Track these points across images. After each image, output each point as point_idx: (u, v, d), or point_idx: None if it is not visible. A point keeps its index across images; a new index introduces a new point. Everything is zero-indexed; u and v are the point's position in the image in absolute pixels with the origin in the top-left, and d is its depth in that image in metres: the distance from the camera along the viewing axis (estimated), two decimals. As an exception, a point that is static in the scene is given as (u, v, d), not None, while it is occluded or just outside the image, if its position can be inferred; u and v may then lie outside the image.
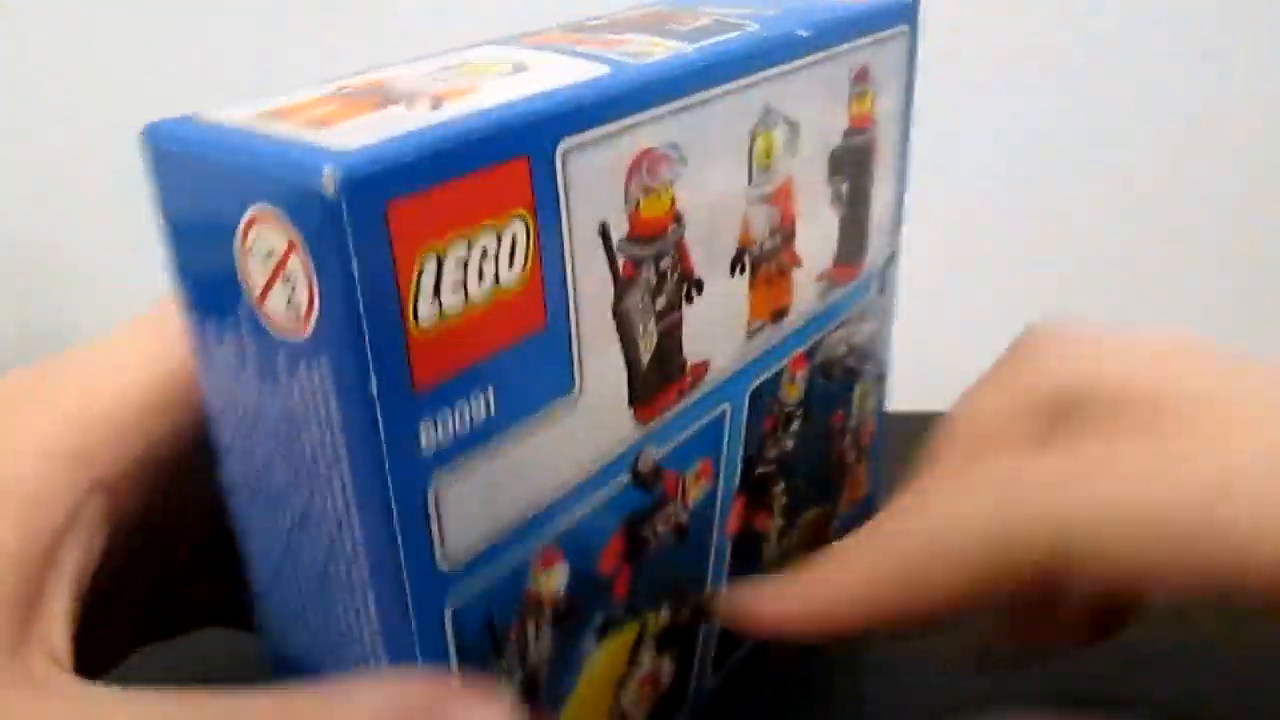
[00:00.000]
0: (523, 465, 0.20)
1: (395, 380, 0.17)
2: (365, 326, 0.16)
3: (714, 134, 0.23)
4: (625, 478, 0.23)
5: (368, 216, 0.16)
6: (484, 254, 0.18)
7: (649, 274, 0.22)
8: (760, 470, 0.29)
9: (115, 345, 0.21)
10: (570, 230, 0.20)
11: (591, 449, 0.22)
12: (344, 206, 0.15)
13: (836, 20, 0.26)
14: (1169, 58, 0.45)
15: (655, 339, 0.23)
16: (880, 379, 0.34)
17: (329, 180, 0.15)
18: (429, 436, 0.18)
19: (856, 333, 0.32)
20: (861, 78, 0.28)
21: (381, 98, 0.18)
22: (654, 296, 0.23)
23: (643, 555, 0.25)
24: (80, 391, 0.20)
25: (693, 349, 0.24)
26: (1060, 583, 0.20)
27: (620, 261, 0.21)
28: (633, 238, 0.21)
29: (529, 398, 0.20)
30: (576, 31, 0.24)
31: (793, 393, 0.29)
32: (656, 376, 0.23)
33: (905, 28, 0.29)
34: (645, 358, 0.23)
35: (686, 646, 0.28)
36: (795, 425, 0.30)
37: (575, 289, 0.20)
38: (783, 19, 0.25)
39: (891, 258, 0.32)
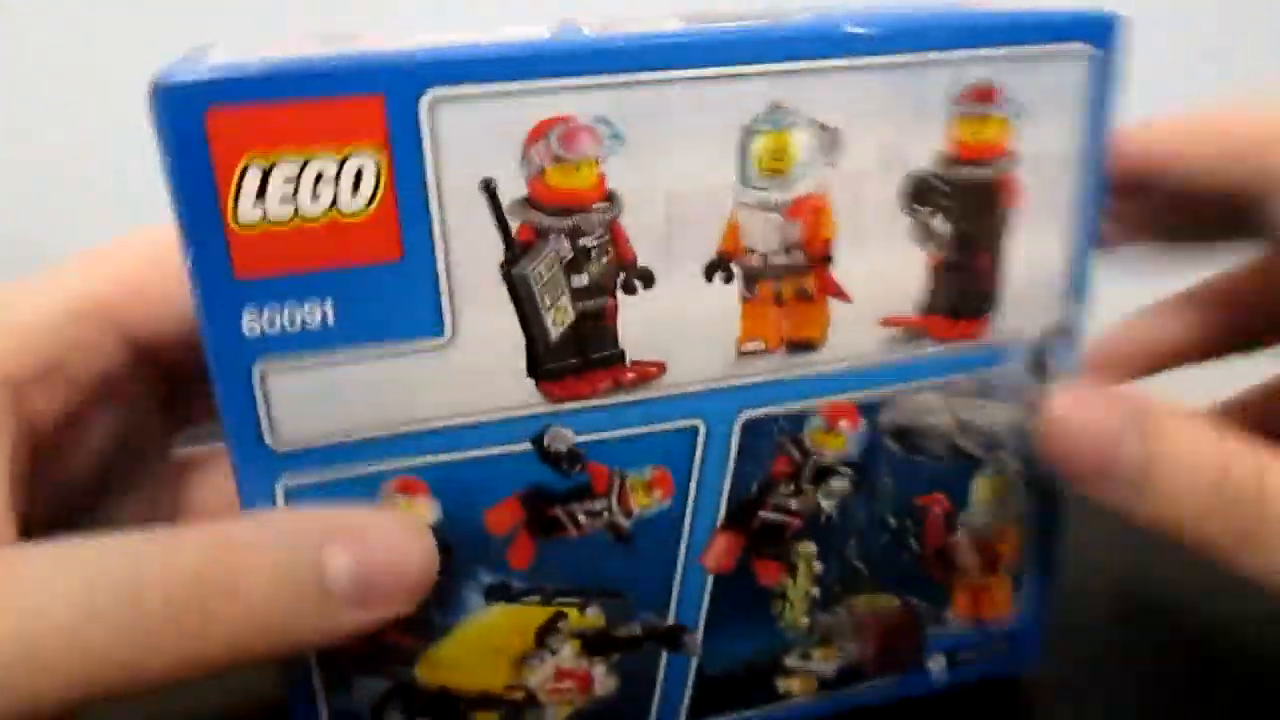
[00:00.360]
0: (376, 385, 0.22)
1: (215, 264, 0.20)
2: (184, 213, 0.20)
3: (677, 120, 0.22)
4: (526, 447, 0.23)
5: (184, 121, 0.19)
6: (319, 176, 0.20)
7: (560, 246, 0.22)
8: (768, 517, 0.26)
9: (50, 274, 0.24)
10: (438, 178, 0.21)
11: (470, 400, 0.23)
12: (159, 110, 0.19)
13: (946, 25, 0.22)
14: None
15: (571, 317, 0.23)
16: (1037, 485, 0.28)
17: (150, 89, 0.19)
18: (252, 322, 0.21)
19: (974, 409, 0.26)
20: (984, 97, 0.23)
21: (318, 41, 0.22)
22: (570, 272, 0.22)
23: (555, 537, 0.24)
24: (2, 305, 0.23)
25: (640, 346, 0.23)
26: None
27: (514, 224, 0.22)
28: (535, 203, 0.21)
29: (383, 324, 0.21)
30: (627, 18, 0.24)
31: (831, 444, 0.25)
32: (574, 357, 0.23)
33: (1087, 47, 0.23)
34: (555, 332, 0.23)
35: (638, 667, 0.26)
36: (836, 484, 0.26)
37: (444, 235, 0.21)
38: (855, 16, 0.22)
39: (1064, 334, 0.26)
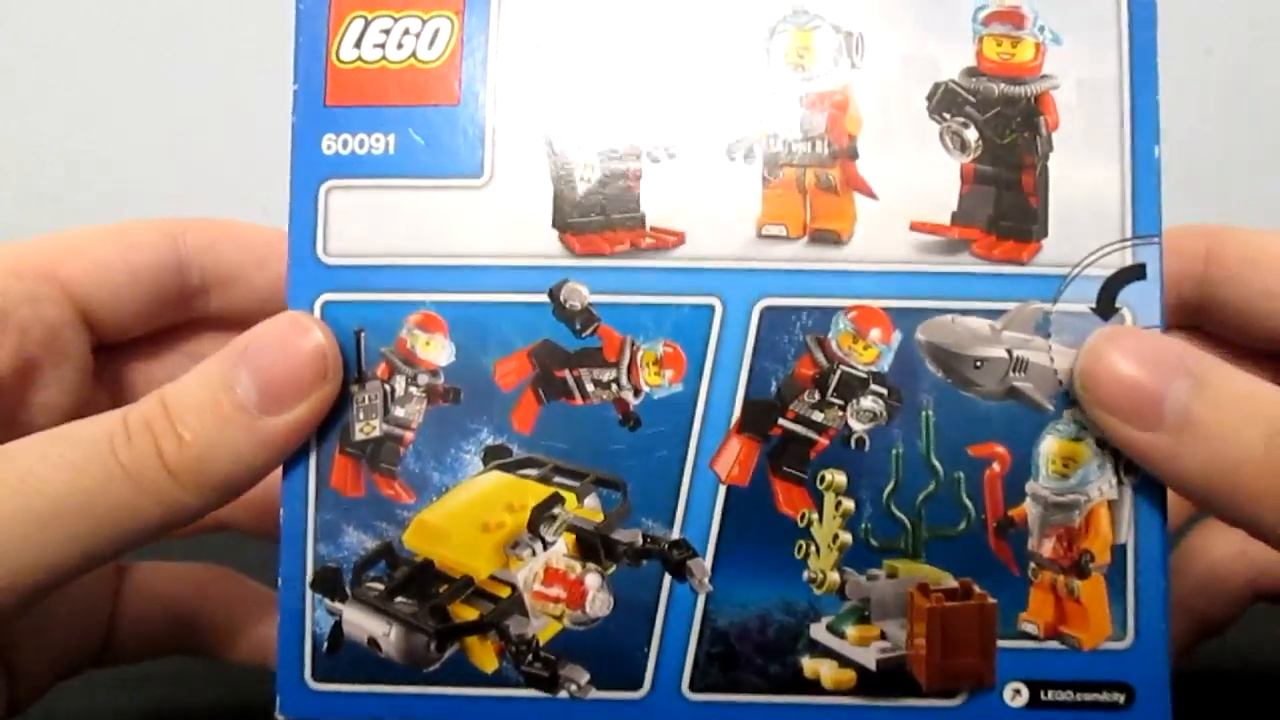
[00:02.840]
0: (417, 215, 0.25)
1: (313, 92, 0.25)
2: (301, 50, 0.25)
3: (705, 15, 0.25)
4: (543, 298, 0.24)
5: (318, -16, 0.25)
6: (406, 31, 0.25)
7: (594, 109, 0.25)
8: (789, 427, 0.24)
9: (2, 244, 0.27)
10: (499, 39, 0.25)
11: (497, 243, 0.25)
12: None
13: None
14: None
15: (598, 175, 0.25)
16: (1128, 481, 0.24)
17: None
18: (330, 143, 0.25)
19: (1034, 347, 0.24)
20: (1013, 20, 0.25)
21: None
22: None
23: (559, 401, 0.24)
24: None
25: (661, 214, 0.25)
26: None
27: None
28: (576, 70, 0.25)
29: (433, 160, 0.25)
30: None
31: (861, 353, 0.24)
32: (597, 213, 0.25)
33: (1116, -19, 0.25)
34: (581, 188, 0.25)
35: (636, 593, 0.24)
36: (868, 403, 0.24)
37: (496, 89, 0.25)
38: None
39: (1130, 272, 0.24)
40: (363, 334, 0.25)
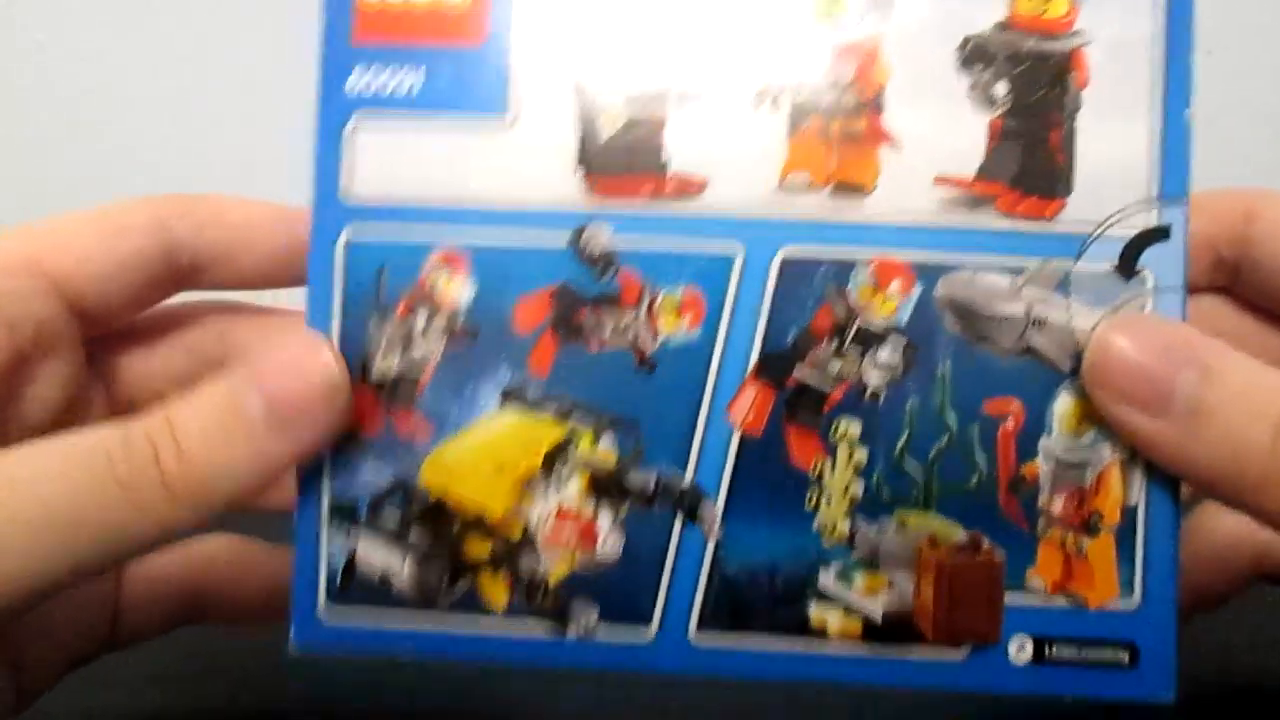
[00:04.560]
0: (441, 155, 0.25)
1: (340, 31, 0.25)
2: None
3: (739, -38, 0.25)
4: (564, 241, 0.25)
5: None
6: (434, -32, 0.25)
7: (620, 53, 0.25)
8: (805, 377, 0.24)
9: None
10: (525, -21, 0.25)
11: (520, 185, 0.25)
12: None
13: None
14: None
15: (622, 120, 0.25)
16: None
17: None
18: (355, 81, 0.25)
19: (1053, 305, 0.24)
20: (1046, -25, 0.24)
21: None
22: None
23: (576, 344, 0.24)
24: None
25: (684, 159, 0.25)
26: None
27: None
28: (604, 13, 0.25)
29: (458, 98, 0.25)
30: None
31: (880, 306, 0.24)
32: (621, 157, 0.25)
33: (1155, -65, 0.24)
34: (605, 131, 0.25)
35: (648, 537, 0.24)
36: (885, 355, 0.24)
37: (523, 29, 0.25)
38: None
39: (1154, 234, 0.24)
40: (384, 272, 0.25)
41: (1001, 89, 0.24)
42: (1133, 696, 0.24)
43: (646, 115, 0.25)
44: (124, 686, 0.33)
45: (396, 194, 0.25)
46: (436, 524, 0.25)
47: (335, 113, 0.25)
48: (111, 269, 0.26)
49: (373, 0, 0.25)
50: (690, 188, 0.24)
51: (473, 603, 0.24)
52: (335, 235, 0.25)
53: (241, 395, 0.22)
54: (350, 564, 0.25)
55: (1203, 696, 0.28)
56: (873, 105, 0.24)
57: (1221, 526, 0.30)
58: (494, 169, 0.25)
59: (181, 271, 0.28)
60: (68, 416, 0.27)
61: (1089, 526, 0.24)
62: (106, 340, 0.28)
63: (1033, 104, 0.24)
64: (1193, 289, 0.26)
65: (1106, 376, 0.23)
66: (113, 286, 0.26)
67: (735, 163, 0.24)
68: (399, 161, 0.25)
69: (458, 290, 0.25)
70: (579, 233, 0.24)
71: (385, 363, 0.25)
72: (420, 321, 0.25)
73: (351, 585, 0.25)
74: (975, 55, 0.24)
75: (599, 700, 0.32)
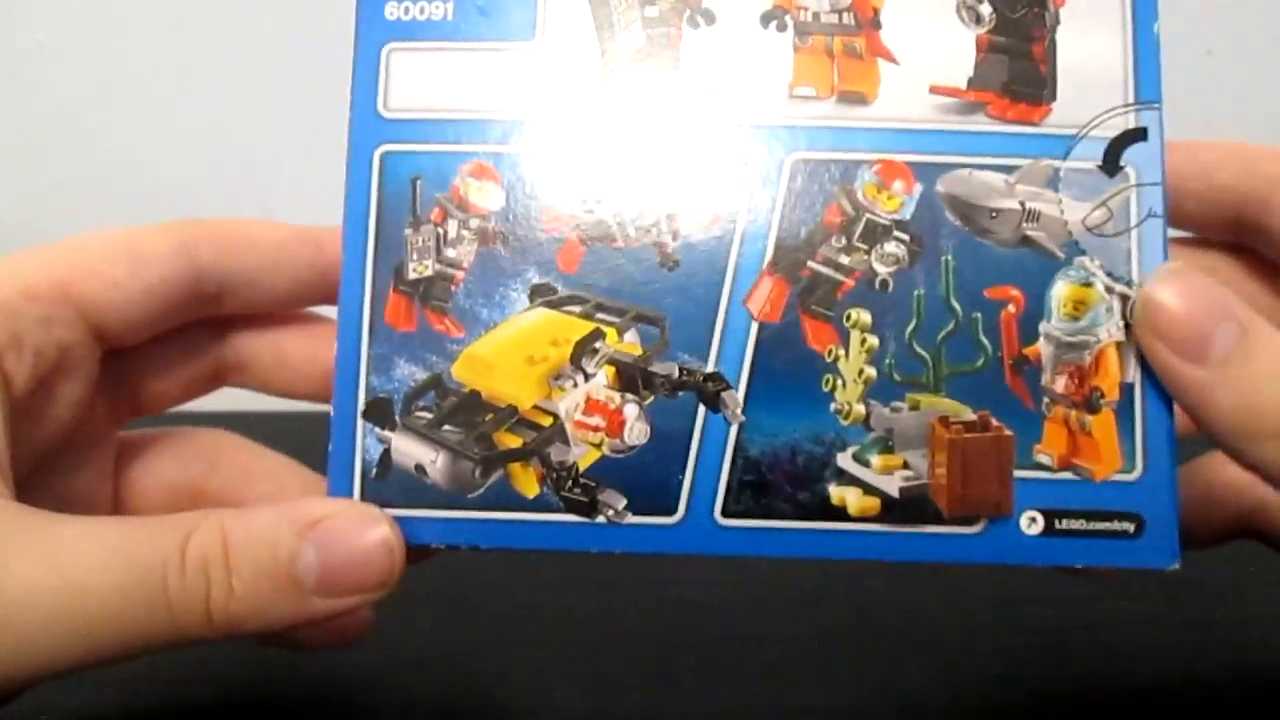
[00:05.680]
0: (472, 74, 0.27)
1: (376, -37, 0.27)
2: None
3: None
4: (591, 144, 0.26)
5: None
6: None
7: (637, -22, 0.27)
8: (818, 269, 0.26)
9: (14, 256, 0.26)
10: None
11: (547, 96, 0.26)
12: None
13: None
14: None
15: (641, 40, 0.27)
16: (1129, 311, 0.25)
17: None
18: (392, 9, 0.27)
19: (1045, 200, 0.26)
20: (1021, -91, 0.27)
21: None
22: (645, 2, 0.27)
23: (602, 245, 0.26)
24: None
25: (699, 75, 0.26)
26: None
27: (603, -40, 0.27)
28: (621, -53, 0.27)
29: (489, 26, 0.27)
30: None
31: (885, 202, 0.26)
32: (640, 72, 0.26)
33: None
34: (624, 46, 0.27)
35: (672, 423, 0.25)
36: (891, 248, 0.26)
37: (547, -39, 0.27)
38: None
39: (1133, 134, 0.26)
40: (419, 181, 0.26)
41: (986, 8, 0.27)
42: (1139, 564, 0.25)
43: (664, 31, 0.27)
44: (123, 686, 0.33)
45: (430, 109, 0.26)
46: (469, 417, 0.25)
47: (373, 38, 0.27)
48: (137, 296, 0.26)
49: (409, -64, 0.27)
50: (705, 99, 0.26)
51: (504, 492, 0.25)
52: (373, 148, 0.26)
53: (297, 554, 0.23)
54: (385, 456, 0.25)
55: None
56: (871, 24, 0.27)
57: (1218, 474, 0.30)
58: (522, 85, 0.26)
59: (207, 297, 0.28)
60: (78, 428, 0.27)
61: (1090, 403, 0.25)
62: (122, 350, 0.28)
63: (1016, 20, 0.26)
64: (1209, 241, 0.28)
65: (1156, 317, 0.24)
66: (137, 312, 0.27)
67: (746, 77, 0.26)
68: (433, 81, 0.27)
69: (489, 197, 0.26)
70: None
71: (420, 266, 0.26)
72: (454, 227, 0.26)
73: (388, 476, 0.25)
74: (961, -22, 0.27)
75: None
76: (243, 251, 0.28)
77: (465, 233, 0.26)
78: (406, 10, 0.27)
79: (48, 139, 0.53)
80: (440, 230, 0.26)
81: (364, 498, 0.25)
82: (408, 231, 0.26)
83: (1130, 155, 0.26)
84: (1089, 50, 0.26)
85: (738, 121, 0.26)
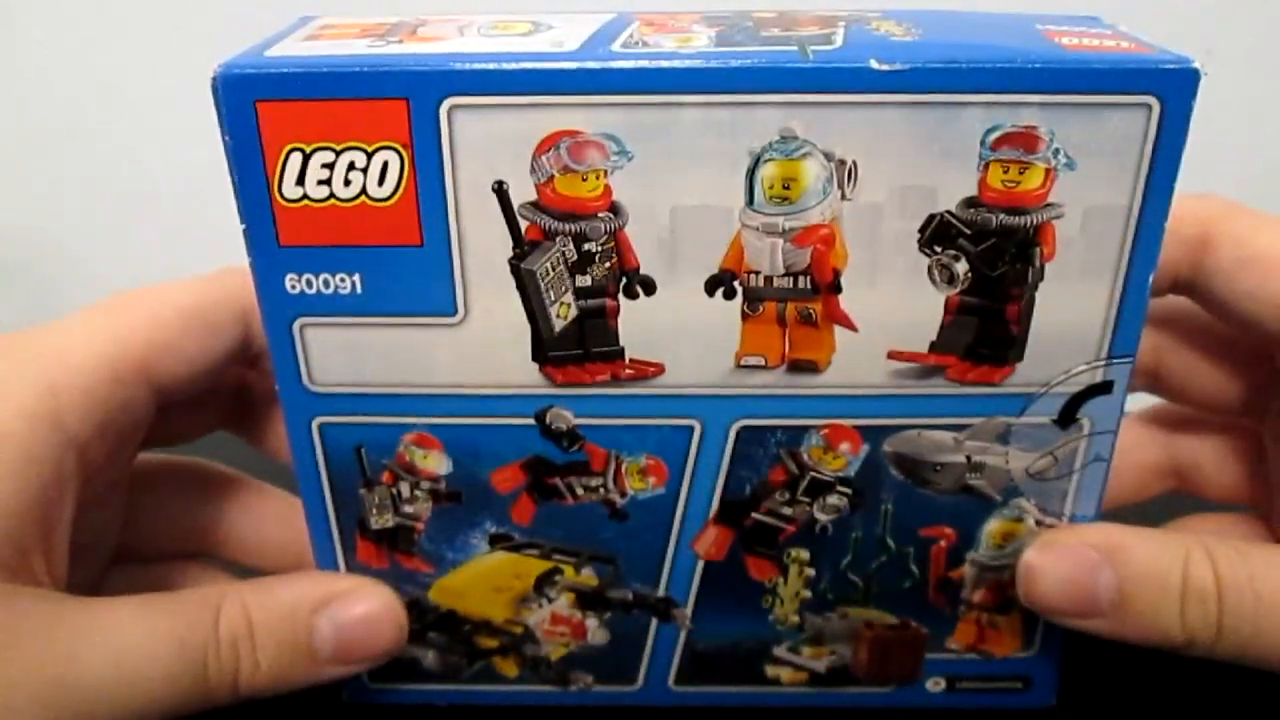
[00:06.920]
0: (395, 350, 0.25)
1: (264, 231, 0.23)
2: (240, 186, 0.23)
3: (687, 141, 0.22)
4: (529, 421, 0.25)
5: (238, 109, 0.22)
6: (351, 165, 0.23)
7: (566, 248, 0.23)
8: (761, 519, 0.27)
9: (78, 325, 0.26)
10: (455, 176, 0.23)
11: (479, 374, 0.25)
12: (217, 96, 0.22)
13: (992, 65, 0.21)
14: None
15: (574, 313, 0.24)
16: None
17: (212, 76, 0.22)
18: (293, 283, 0.24)
19: (992, 454, 0.26)
20: (1027, 144, 0.22)
21: (385, 31, 0.24)
22: (573, 272, 0.24)
23: (553, 502, 0.27)
24: (54, 362, 0.25)
25: (640, 346, 0.24)
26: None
27: (523, 224, 0.23)
28: (543, 207, 0.23)
29: (403, 299, 0.24)
30: (670, 18, 0.25)
31: (830, 463, 0.26)
32: (575, 348, 0.25)
33: (1150, 100, 0.22)
34: (558, 325, 0.24)
35: (629, 629, 0.29)
36: (833, 501, 0.26)
37: (459, 226, 0.23)
38: (890, 46, 0.22)
39: (1097, 389, 0.25)
40: (363, 449, 0.26)
41: (962, 267, 0.23)
42: (1023, 706, 0.30)
43: (599, 305, 0.24)
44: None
45: (358, 384, 0.25)
46: (451, 626, 0.29)
47: (279, 313, 0.24)
48: (202, 369, 0.27)
49: (291, 199, 0.23)
50: (648, 371, 0.25)
51: (489, 675, 0.30)
52: (308, 420, 0.26)
53: (315, 621, 0.26)
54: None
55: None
56: (829, 288, 0.24)
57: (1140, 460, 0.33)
58: (451, 362, 0.25)
59: (250, 359, 0.29)
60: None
61: (1003, 607, 0.28)
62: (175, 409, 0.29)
63: (994, 279, 0.24)
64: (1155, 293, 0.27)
65: (1042, 603, 0.26)
66: (199, 381, 0.28)
67: (692, 347, 0.24)
68: (354, 357, 0.25)
69: (435, 464, 0.26)
70: (542, 415, 0.25)
71: (380, 519, 0.27)
72: (405, 489, 0.27)
73: (386, 668, 0.30)
74: (938, 235, 0.23)
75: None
76: None
77: (418, 493, 0.27)
78: (310, 283, 0.24)
79: (48, 139, 0.51)
80: (393, 490, 0.27)
81: (371, 679, 0.30)
82: (362, 491, 0.27)
83: (1088, 408, 0.25)
84: (1068, 306, 0.24)
85: (682, 391, 0.25)
